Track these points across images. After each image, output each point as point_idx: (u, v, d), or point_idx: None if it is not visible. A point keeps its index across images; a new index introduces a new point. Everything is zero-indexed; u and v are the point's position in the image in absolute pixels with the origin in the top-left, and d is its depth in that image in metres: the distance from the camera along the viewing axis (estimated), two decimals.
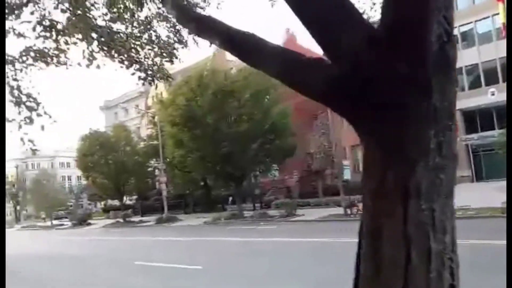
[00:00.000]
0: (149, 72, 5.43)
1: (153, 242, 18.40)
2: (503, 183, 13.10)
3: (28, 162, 78.16)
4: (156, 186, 43.76)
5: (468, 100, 27.29)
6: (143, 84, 5.62)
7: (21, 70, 5.14)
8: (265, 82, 23.73)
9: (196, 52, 20.08)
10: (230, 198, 28.23)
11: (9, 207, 65.65)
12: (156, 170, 39.20)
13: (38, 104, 5.05)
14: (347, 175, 19.18)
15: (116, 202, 43.47)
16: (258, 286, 7.79)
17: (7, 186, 64.77)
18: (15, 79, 5.11)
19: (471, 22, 27.62)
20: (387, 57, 1.30)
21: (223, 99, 22.97)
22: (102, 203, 51.13)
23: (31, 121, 5.04)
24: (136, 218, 34.19)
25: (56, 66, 5.41)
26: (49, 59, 5.29)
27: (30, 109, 4.98)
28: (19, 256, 16.45)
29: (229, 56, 31.17)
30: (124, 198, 40.35)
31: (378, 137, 1.38)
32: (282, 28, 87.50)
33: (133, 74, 5.44)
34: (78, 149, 38.08)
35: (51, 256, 16.70)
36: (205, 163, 24.71)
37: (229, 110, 23.61)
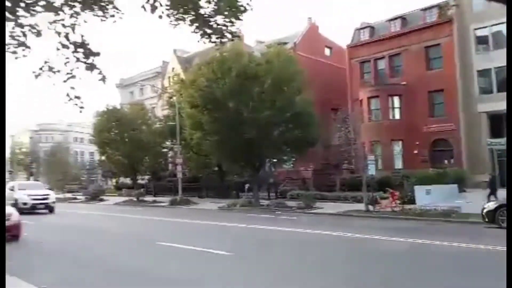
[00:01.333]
0: (217, 28, 4.94)
1: (171, 223, 18.25)
2: None
3: (41, 135, 78.82)
4: (169, 167, 43.97)
5: (496, 103, 26.62)
6: (210, 41, 5.14)
7: (70, 16, 4.77)
8: (288, 68, 23.38)
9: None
10: (247, 186, 27.95)
11: (23, 177, 66.36)
12: (170, 152, 39.34)
13: (94, 54, 4.76)
14: (371, 170, 18.76)
15: (127, 181, 43.67)
16: (306, 278, 7.54)
17: (21, 157, 65.78)
18: (63, 25, 4.75)
19: (502, 23, 26.76)
20: None
21: (246, 83, 22.51)
22: (114, 180, 51.36)
23: (92, 67, 4.73)
24: (149, 198, 34.32)
25: (103, 18, 4.97)
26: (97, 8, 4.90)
27: (90, 54, 4.69)
28: (42, 227, 16.58)
29: (247, 40, 30.39)
30: (137, 177, 40.48)
31: None
32: (304, 17, 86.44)
33: (196, 29, 5.03)
34: (94, 124, 38.14)
35: (73, 227, 16.77)
36: (223, 147, 24.36)
37: (251, 94, 23.18)
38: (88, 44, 4.84)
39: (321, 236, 12.68)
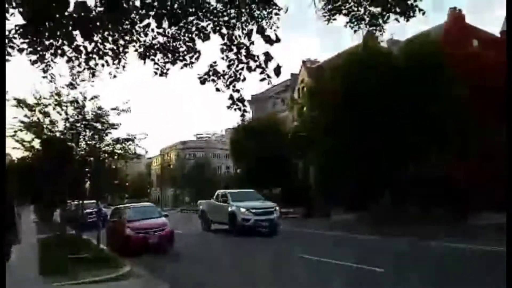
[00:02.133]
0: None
1: (309, 234, 17.53)
2: None
3: (186, 152, 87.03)
4: (298, 176, 43.86)
5: None
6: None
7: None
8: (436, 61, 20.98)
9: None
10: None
11: (170, 191, 73.98)
12: (299, 163, 39.24)
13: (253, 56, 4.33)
14: None
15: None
16: None
17: (170, 173, 73.50)
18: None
19: None
20: None
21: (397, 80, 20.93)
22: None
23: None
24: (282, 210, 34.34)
25: None
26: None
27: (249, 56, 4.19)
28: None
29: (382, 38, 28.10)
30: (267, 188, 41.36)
31: None
32: (447, 6, 78.96)
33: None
34: (231, 139, 40.19)
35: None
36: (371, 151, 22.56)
37: (406, 91, 21.21)
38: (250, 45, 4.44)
39: None
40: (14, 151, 17.77)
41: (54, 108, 16.32)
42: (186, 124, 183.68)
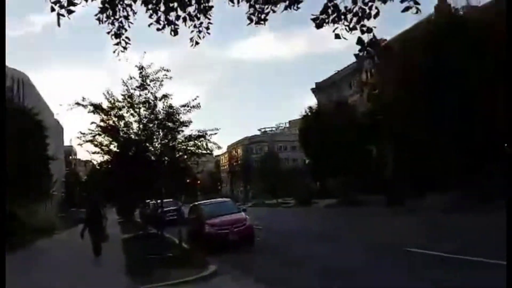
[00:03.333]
0: None
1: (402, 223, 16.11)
2: None
3: (252, 147, 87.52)
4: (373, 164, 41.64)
5: None
6: None
7: None
8: None
9: None
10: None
11: (241, 186, 74.80)
12: (373, 148, 37.18)
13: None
14: None
15: (331, 182, 43.30)
16: None
17: (237, 168, 74.35)
18: None
19: None
20: None
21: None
22: (318, 183, 52.06)
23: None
24: (359, 198, 32.82)
25: None
26: None
27: None
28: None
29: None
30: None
31: None
32: None
33: None
34: (299, 128, 39.26)
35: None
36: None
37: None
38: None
39: None
40: (95, 156, 18.27)
41: (127, 111, 16.63)
42: (250, 119, 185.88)
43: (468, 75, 19.78)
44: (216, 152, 30.57)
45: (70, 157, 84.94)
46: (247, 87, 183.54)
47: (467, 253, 7.73)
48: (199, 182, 78.52)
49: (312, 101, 61.13)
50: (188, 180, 31.07)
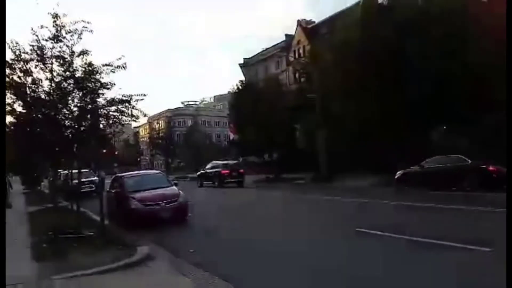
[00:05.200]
0: None
1: (338, 202, 15.97)
2: None
3: (175, 120, 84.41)
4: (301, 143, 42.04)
5: None
6: None
7: None
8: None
9: None
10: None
11: (160, 159, 71.89)
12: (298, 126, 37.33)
13: None
14: None
15: (254, 159, 43.11)
16: None
17: (159, 141, 71.28)
18: None
19: None
20: None
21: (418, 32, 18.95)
22: (241, 158, 51.74)
23: None
24: (285, 175, 32.95)
25: None
26: None
27: None
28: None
29: None
30: (265, 154, 39.73)
31: None
32: None
33: None
34: (230, 103, 38.04)
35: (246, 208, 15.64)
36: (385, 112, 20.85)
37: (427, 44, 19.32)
38: None
39: None
40: None
41: (36, 66, 14.22)
42: (172, 91, 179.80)
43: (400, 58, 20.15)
44: (134, 124, 28.28)
45: None
46: (172, 59, 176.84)
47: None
48: (116, 153, 74.07)
49: (240, 78, 60.36)
50: (104, 151, 28.43)
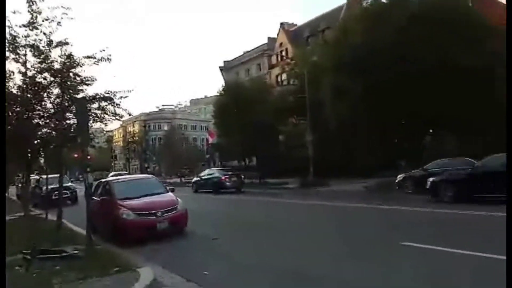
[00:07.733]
0: None
1: (333, 208, 14.89)
2: None
3: (150, 124, 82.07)
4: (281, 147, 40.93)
5: None
6: None
7: None
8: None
9: None
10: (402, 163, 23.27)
11: (136, 164, 69.40)
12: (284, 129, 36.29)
13: None
14: None
15: (235, 163, 41.82)
16: None
17: (134, 145, 68.86)
18: None
19: None
20: None
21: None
22: (221, 163, 50.32)
23: None
24: (269, 180, 31.81)
25: None
26: None
27: None
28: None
29: None
30: (247, 159, 38.58)
31: None
32: None
33: None
34: (215, 105, 36.68)
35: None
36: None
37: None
38: None
39: None
40: None
41: (7, 57, 12.68)
42: (146, 95, 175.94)
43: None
44: (108, 128, 26.39)
45: None
46: (148, 62, 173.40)
47: None
48: (89, 157, 71.08)
49: (218, 81, 59.04)
50: (76, 155, 26.42)
